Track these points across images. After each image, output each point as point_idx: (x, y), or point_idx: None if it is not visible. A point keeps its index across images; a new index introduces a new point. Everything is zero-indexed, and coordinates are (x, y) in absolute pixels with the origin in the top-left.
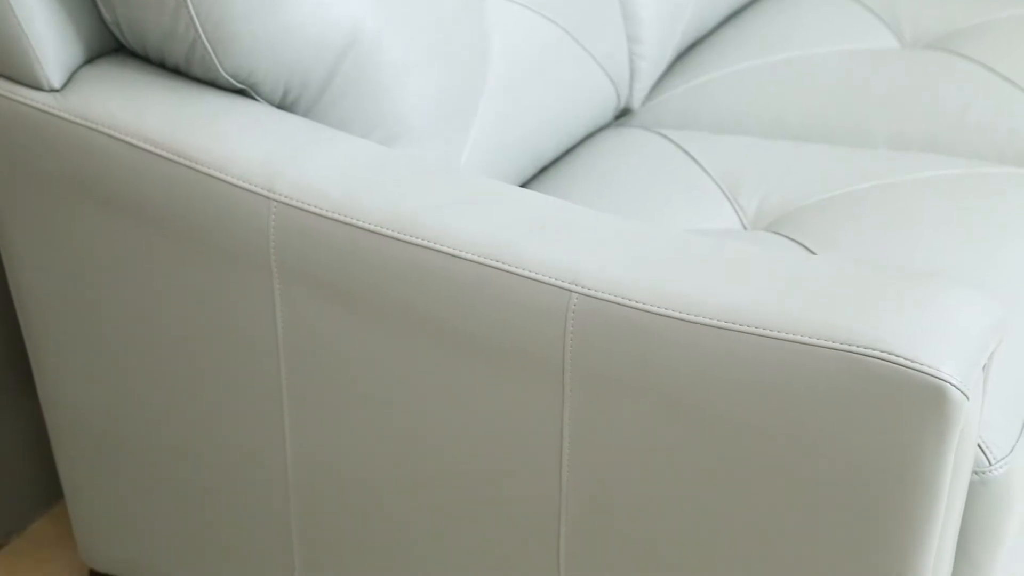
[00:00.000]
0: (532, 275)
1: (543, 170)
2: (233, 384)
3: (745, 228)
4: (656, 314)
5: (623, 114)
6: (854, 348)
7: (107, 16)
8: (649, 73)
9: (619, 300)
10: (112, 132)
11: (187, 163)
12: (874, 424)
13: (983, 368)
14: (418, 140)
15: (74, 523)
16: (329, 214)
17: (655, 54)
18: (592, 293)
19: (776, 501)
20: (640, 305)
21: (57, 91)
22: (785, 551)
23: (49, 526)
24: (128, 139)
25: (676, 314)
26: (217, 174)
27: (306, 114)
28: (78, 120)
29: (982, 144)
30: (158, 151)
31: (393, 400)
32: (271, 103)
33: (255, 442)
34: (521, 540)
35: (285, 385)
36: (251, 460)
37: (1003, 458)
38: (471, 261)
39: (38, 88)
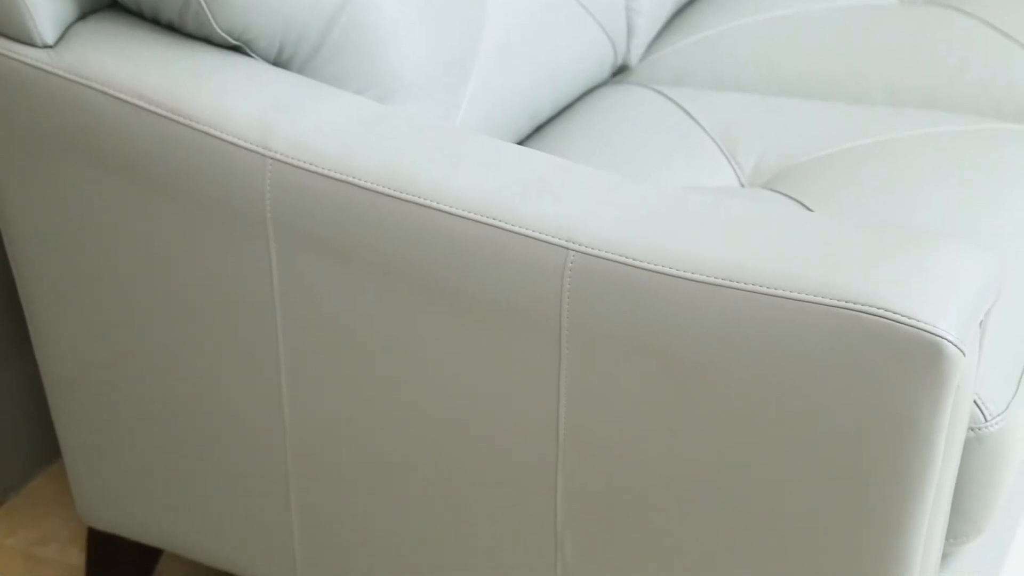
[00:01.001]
0: (528, 232)
1: (540, 128)
2: (229, 342)
3: (742, 185)
4: (653, 271)
5: (620, 71)
6: (851, 305)
7: None
8: (646, 30)
9: (616, 258)
10: (106, 88)
11: (182, 120)
12: (871, 381)
13: (980, 324)
14: (414, 97)
15: (72, 482)
16: (325, 171)
17: (652, 11)
18: (589, 251)
19: (773, 458)
20: (637, 263)
21: (50, 47)
22: (781, 506)
23: (47, 484)
24: (122, 96)
25: (673, 271)
26: (212, 131)
27: (301, 71)
28: (71, 76)
29: (980, 100)
30: (152, 108)
31: (389, 358)
32: (266, 60)
33: (252, 401)
34: (518, 499)
35: (281, 343)
36: (248, 419)
37: (999, 414)
38: (467, 219)
39: (31, 44)
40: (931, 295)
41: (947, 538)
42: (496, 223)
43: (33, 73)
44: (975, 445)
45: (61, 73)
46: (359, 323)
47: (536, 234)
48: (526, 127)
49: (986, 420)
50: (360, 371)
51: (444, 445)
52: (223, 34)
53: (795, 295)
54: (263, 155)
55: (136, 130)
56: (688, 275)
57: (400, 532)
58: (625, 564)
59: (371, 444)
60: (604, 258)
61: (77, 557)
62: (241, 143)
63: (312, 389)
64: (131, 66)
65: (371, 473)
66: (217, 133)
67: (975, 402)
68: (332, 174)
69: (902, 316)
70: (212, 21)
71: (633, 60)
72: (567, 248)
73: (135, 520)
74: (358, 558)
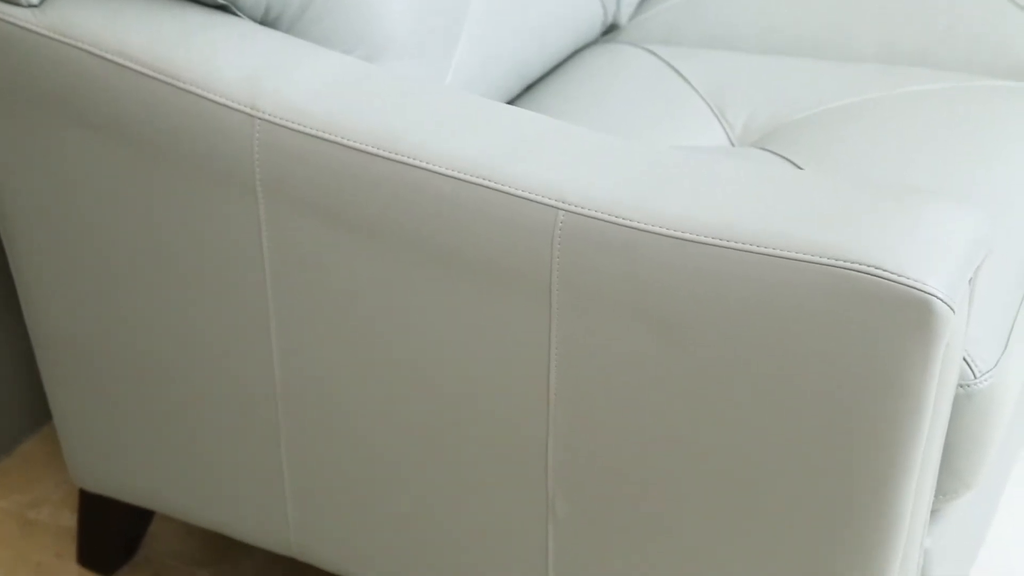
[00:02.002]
0: (518, 192)
1: (530, 87)
2: (220, 304)
3: (733, 144)
4: (643, 231)
5: (610, 30)
6: (840, 263)
7: None
8: None
9: (605, 217)
10: (92, 49)
11: (168, 80)
12: (860, 338)
13: (969, 282)
14: (401, 57)
15: (63, 444)
16: (313, 132)
17: None
18: (578, 210)
19: (763, 417)
20: (627, 222)
21: (35, 6)
22: (772, 465)
23: (39, 447)
24: (108, 56)
25: (663, 231)
26: (199, 91)
27: (288, 30)
28: (57, 36)
29: (973, 57)
30: (138, 68)
31: (379, 318)
32: (253, 19)
33: (243, 361)
34: (509, 457)
35: (271, 303)
36: (239, 379)
37: (988, 371)
38: (457, 179)
39: (16, 3)
40: (921, 253)
41: (936, 495)
42: (486, 183)
43: (18, 33)
44: (964, 402)
45: (46, 33)
46: (349, 283)
47: (526, 194)
48: (516, 87)
49: (975, 377)
50: (350, 331)
51: (435, 404)
52: None
53: (784, 254)
54: (251, 116)
55: (122, 90)
56: (678, 234)
57: (391, 490)
58: (617, 523)
59: (361, 403)
60: (594, 217)
61: (69, 519)
62: (229, 103)
63: (302, 348)
64: (116, 25)
65: (361, 432)
66: (204, 93)
67: (964, 359)
68: (320, 134)
69: (892, 274)
70: None
71: (623, 19)
72: (557, 208)
73: (127, 482)
74: (350, 517)
